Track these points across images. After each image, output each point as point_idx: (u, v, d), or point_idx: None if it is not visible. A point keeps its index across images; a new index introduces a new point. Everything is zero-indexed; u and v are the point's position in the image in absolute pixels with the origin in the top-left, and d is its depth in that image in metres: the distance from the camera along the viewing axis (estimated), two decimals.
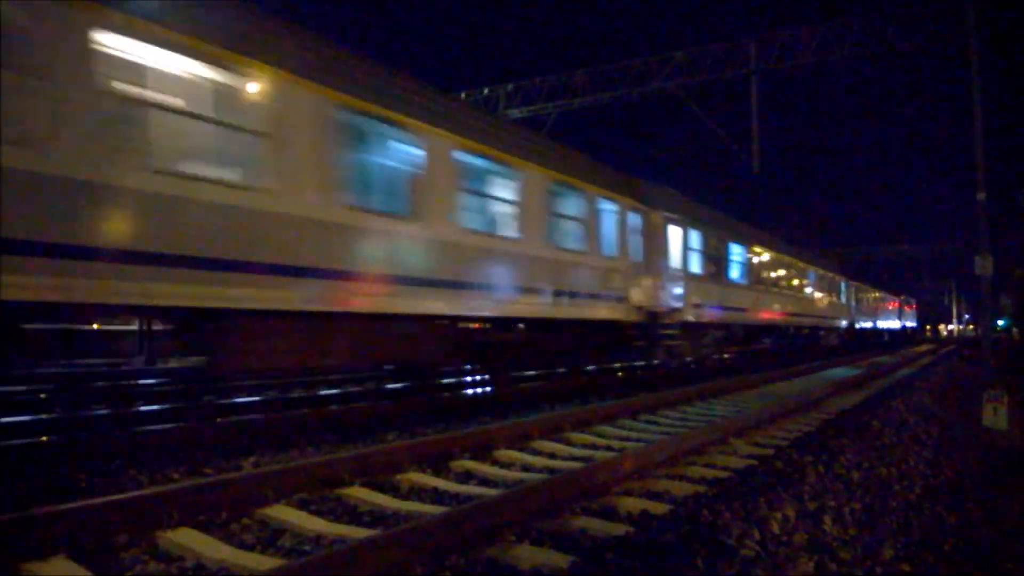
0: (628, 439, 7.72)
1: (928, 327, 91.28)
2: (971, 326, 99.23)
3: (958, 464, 8.17)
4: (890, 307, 54.69)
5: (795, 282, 26.10)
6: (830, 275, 32.29)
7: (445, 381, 13.53)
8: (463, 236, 9.49)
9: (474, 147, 9.75)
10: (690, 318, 15.66)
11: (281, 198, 7.02)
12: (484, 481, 5.70)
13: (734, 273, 19.50)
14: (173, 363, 11.27)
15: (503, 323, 10.76)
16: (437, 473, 5.84)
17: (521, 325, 11.22)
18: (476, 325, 10.45)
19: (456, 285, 9.28)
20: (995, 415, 10.45)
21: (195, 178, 6.38)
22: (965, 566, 5.26)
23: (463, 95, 26.85)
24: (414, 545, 3.65)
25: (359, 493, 5.08)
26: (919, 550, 5.09)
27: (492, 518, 4.10)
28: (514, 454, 6.67)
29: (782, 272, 24.41)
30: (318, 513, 4.66)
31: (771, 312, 22.52)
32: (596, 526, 4.28)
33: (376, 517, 4.63)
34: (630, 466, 5.62)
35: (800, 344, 27.87)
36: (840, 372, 18.32)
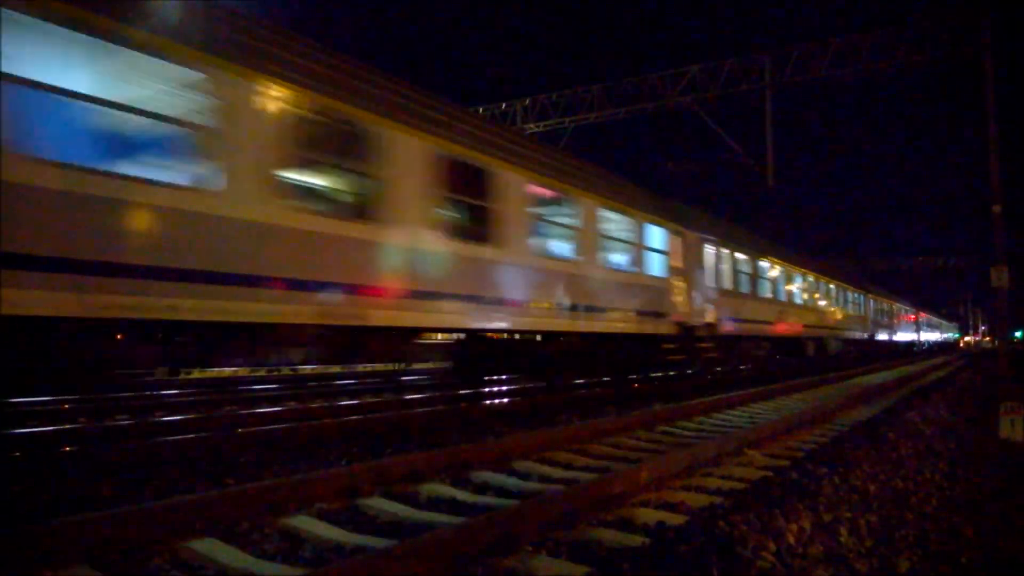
0: (645, 450, 7.75)
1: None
2: (987, 337, 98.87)
3: (975, 476, 8.13)
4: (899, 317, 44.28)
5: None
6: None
7: (463, 392, 13.61)
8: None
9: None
10: None
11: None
12: (502, 492, 5.75)
13: None
14: (196, 374, 11.48)
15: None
16: (456, 484, 5.90)
17: None
18: None
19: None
20: (1012, 427, 10.40)
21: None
22: None
23: (480, 109, 27.11)
24: (432, 555, 3.71)
25: (378, 503, 5.14)
26: (937, 563, 5.09)
27: (509, 528, 4.15)
28: (532, 465, 6.71)
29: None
30: (338, 523, 4.73)
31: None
32: (612, 537, 4.32)
33: (396, 527, 4.70)
34: (646, 477, 5.64)
35: None
36: None
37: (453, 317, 9.47)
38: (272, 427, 8.59)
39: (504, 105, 28.12)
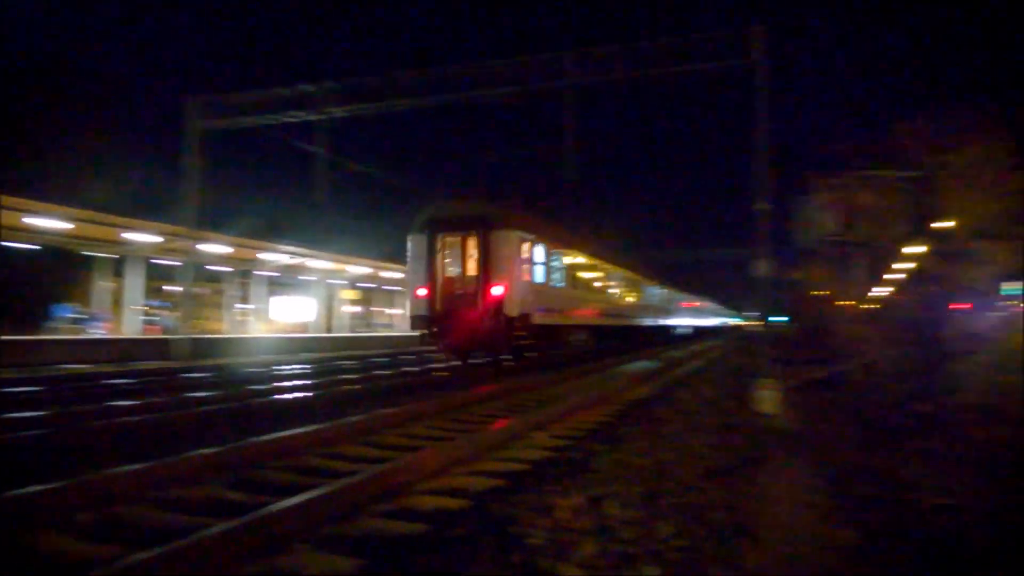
0: (437, 437, 7.81)
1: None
2: (754, 322, 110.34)
3: (733, 445, 9.00)
4: None
5: None
6: None
7: (256, 387, 13.05)
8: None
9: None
10: None
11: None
12: (283, 490, 5.54)
13: None
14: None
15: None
16: (234, 486, 5.61)
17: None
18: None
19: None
20: (766, 401, 11.66)
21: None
22: (731, 536, 5.83)
23: (275, 90, 25.87)
24: (198, 559, 3.51)
25: (142, 510, 4.77)
26: (693, 525, 5.56)
27: (280, 527, 4.02)
28: (319, 461, 6.54)
29: None
30: (94, 536, 4.33)
31: None
32: (392, 527, 4.30)
33: (164, 534, 4.36)
34: (432, 464, 5.69)
35: None
36: None
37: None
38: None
39: (307, 87, 26.99)
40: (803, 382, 22.04)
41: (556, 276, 18.63)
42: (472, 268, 15.57)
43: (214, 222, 30.32)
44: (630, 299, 28.20)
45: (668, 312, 39.90)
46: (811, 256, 29.54)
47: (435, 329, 15.53)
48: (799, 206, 26.87)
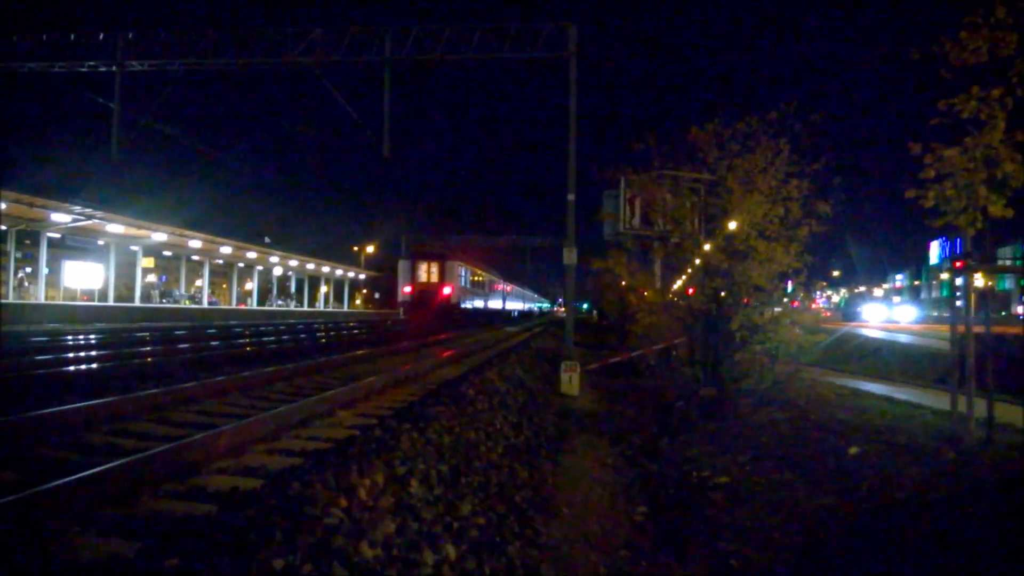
0: (235, 415, 7.44)
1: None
2: (561, 308, 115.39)
3: (537, 426, 9.34)
4: None
5: None
6: None
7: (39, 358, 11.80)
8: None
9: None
10: None
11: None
12: (63, 470, 5.03)
13: None
14: None
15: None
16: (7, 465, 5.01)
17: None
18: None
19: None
20: (570, 383, 12.22)
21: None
22: (530, 512, 6.05)
23: (72, 36, 23.35)
24: None
25: None
26: (494, 503, 5.71)
27: (51, 509, 3.67)
28: (103, 438, 6.03)
29: None
30: None
31: None
32: (178, 508, 4.05)
33: None
34: (226, 443, 5.42)
35: None
36: None
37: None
38: None
39: (103, 36, 24.49)
40: (604, 366, 23.35)
41: (467, 282, 34.05)
42: (434, 278, 31.77)
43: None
44: (491, 291, 44.39)
45: (508, 299, 57.71)
46: (616, 248, 31.13)
47: (412, 309, 30.92)
48: (605, 200, 28.15)
